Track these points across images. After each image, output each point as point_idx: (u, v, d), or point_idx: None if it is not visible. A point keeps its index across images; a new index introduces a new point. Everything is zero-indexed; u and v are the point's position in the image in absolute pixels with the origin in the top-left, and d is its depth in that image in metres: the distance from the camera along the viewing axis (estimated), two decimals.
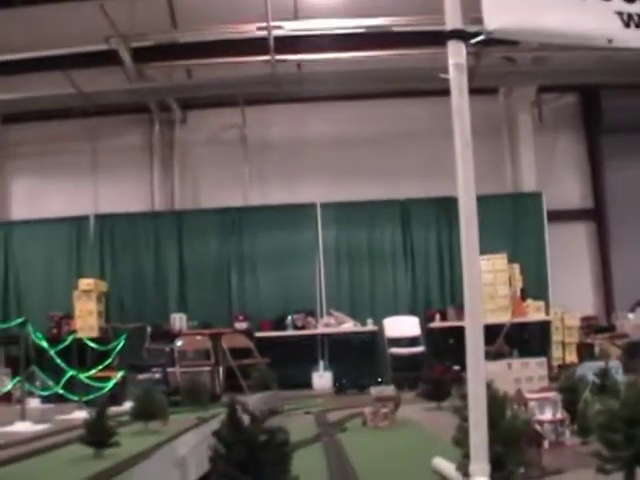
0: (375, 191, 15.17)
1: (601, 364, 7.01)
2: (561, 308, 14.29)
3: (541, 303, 14.28)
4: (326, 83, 14.69)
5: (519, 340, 13.21)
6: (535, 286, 14.67)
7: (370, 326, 14.39)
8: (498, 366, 8.96)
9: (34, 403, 11.55)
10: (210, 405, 10.15)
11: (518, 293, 14.27)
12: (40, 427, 9.01)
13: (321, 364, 14.44)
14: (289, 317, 14.41)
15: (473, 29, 4.05)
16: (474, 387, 3.79)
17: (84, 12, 12.60)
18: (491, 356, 9.39)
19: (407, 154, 15.56)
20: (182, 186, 16.08)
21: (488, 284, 13.59)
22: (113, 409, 8.40)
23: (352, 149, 15.61)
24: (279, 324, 14.44)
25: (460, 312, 12.29)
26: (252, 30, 13.31)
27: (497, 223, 14.43)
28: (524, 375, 9.01)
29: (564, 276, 14.90)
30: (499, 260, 13.99)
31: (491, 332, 11.09)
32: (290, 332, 14.34)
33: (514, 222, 15.15)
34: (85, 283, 14.11)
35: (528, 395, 5.79)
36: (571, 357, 13.93)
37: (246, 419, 3.55)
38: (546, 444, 5.21)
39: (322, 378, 14.07)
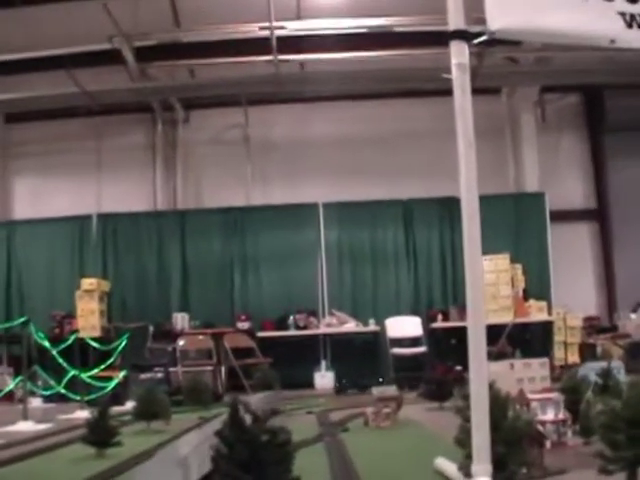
0: (377, 191, 15.16)
1: (603, 364, 7.04)
2: (563, 308, 14.28)
3: (543, 303, 14.28)
4: (328, 83, 14.70)
5: (521, 340, 13.20)
6: (537, 286, 14.67)
7: (372, 326, 14.38)
8: (500, 366, 8.95)
9: (36, 403, 11.55)
10: (212, 405, 10.15)
11: (520, 293, 14.26)
12: (42, 427, 9.01)
13: (323, 364, 14.45)
14: (291, 317, 14.41)
15: (476, 29, 4.05)
16: (476, 387, 3.79)
17: (87, 11, 12.61)
18: (493, 356, 9.39)
19: (409, 154, 15.56)
20: (185, 185, 16.10)
21: (490, 284, 13.59)
22: (115, 409, 8.40)
23: (354, 149, 15.62)
24: (281, 324, 14.44)
25: (462, 312, 12.26)
26: (255, 30, 13.32)
27: (500, 223, 14.43)
28: (526, 375, 9.00)
29: (566, 276, 14.89)
30: (501, 260, 13.98)
31: (493, 332, 11.01)
32: (292, 332, 14.34)
33: (517, 222, 15.14)
34: (87, 282, 14.11)
35: (530, 395, 5.79)
36: (573, 357, 13.92)
37: (248, 419, 3.55)
38: (548, 444, 5.21)
39: (324, 378, 14.07)
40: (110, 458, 6.04)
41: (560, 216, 15.32)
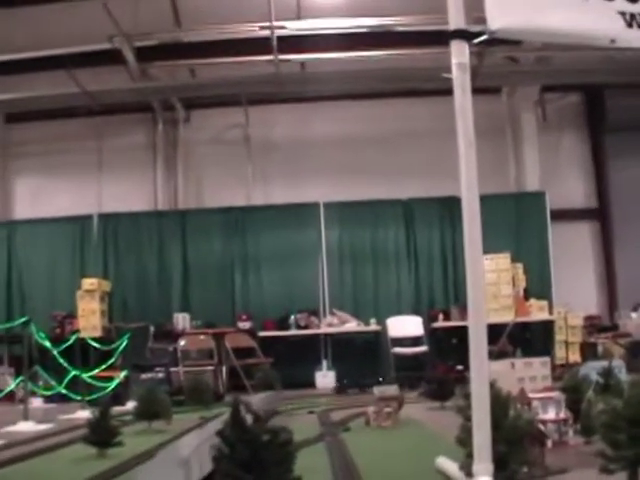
0: (378, 191, 15.16)
1: (604, 363, 7.03)
2: (564, 307, 14.30)
3: (544, 302, 14.29)
4: (329, 83, 14.71)
5: (522, 339, 13.22)
6: (538, 285, 14.68)
7: (373, 326, 14.39)
8: (501, 365, 8.94)
9: (37, 403, 11.55)
10: (213, 405, 10.14)
11: (521, 292, 14.28)
12: (43, 427, 9.00)
13: (324, 364, 14.47)
14: (292, 317, 14.42)
15: (476, 29, 4.05)
16: (477, 387, 3.79)
17: (87, 11, 12.61)
18: (494, 356, 9.38)
19: (410, 154, 15.56)
20: (185, 185, 16.11)
21: (491, 284, 13.61)
22: (116, 409, 8.40)
23: (355, 149, 15.62)
24: (282, 324, 14.44)
25: (463, 312, 12.26)
26: (255, 30, 13.32)
27: (500, 222, 14.42)
28: (527, 374, 8.99)
29: (567, 275, 14.89)
30: (502, 259, 13.99)
31: (494, 332, 10.97)
32: (293, 332, 14.35)
33: (517, 221, 15.15)
34: (88, 282, 14.12)
35: (531, 394, 5.79)
36: (574, 356, 13.94)
37: (249, 419, 3.55)
38: (549, 443, 5.20)
39: (325, 378, 14.08)
40: (111, 458, 6.04)
41: (561, 215, 15.33)
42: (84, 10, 12.81)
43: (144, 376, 11.98)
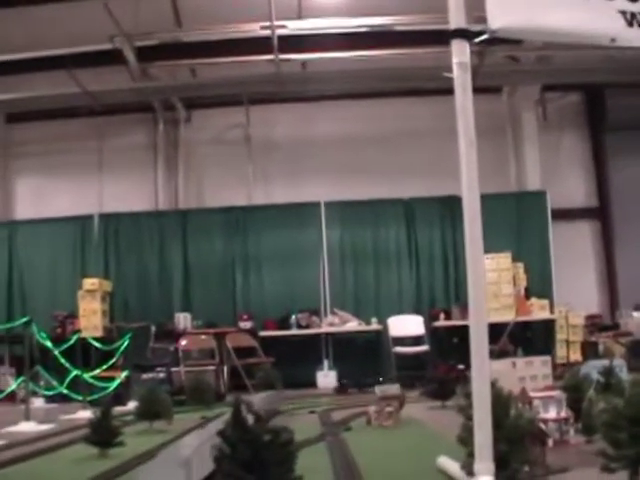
0: (379, 190, 15.15)
1: (605, 362, 7.03)
2: (565, 306, 14.30)
3: (545, 302, 14.28)
4: (330, 82, 14.71)
5: (523, 339, 13.21)
6: (539, 285, 14.67)
7: (374, 325, 14.39)
8: (502, 365, 8.94)
9: (38, 403, 11.56)
10: (214, 404, 10.15)
11: (522, 292, 14.28)
12: (44, 427, 9.00)
13: (325, 363, 14.46)
14: (293, 316, 14.41)
15: (477, 28, 4.05)
16: (478, 386, 3.79)
17: (88, 11, 12.60)
18: (495, 355, 9.36)
19: (411, 153, 15.57)
20: (186, 185, 16.11)
21: (492, 283, 13.62)
22: (118, 409, 8.42)
23: (356, 148, 15.62)
24: (283, 323, 14.44)
25: (464, 311, 12.27)
26: (256, 29, 13.31)
27: (501, 222, 14.42)
28: (528, 374, 8.98)
29: (568, 275, 14.88)
30: (503, 259, 13.99)
31: (495, 331, 10.96)
32: (294, 331, 14.35)
33: (518, 221, 15.13)
34: (89, 282, 14.12)
35: (532, 393, 5.79)
36: (575, 355, 13.94)
37: (251, 419, 3.55)
38: (550, 443, 5.20)
39: (326, 377, 14.07)
40: (113, 458, 6.04)
41: (562, 214, 15.33)
42: (85, 10, 12.80)
43: (145, 376, 11.98)
